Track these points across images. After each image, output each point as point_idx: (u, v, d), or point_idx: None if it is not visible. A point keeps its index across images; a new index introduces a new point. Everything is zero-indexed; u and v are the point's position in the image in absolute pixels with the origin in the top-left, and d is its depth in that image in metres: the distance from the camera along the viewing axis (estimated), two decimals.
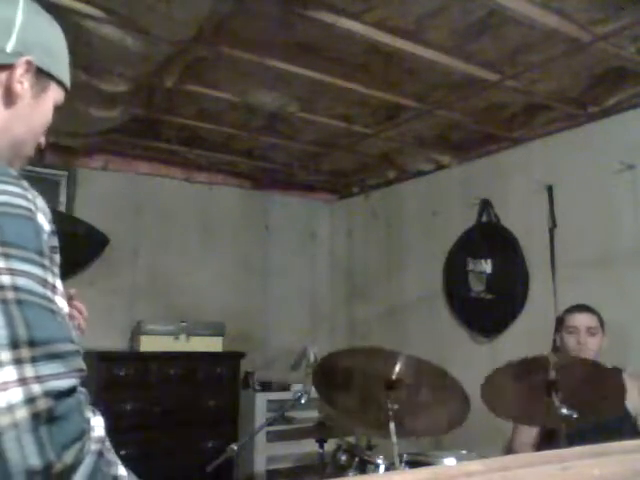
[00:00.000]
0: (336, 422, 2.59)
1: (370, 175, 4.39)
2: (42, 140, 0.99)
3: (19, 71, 0.88)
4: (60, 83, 0.97)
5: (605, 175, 3.00)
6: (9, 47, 0.87)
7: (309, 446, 2.90)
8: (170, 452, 3.48)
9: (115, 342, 3.76)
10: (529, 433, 2.59)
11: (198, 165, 4.14)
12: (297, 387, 3.88)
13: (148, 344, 3.67)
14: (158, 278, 4.03)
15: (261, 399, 3.93)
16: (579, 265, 3.06)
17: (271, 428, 3.48)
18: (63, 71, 0.98)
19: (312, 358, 4.30)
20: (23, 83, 0.89)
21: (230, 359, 3.90)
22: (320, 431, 2.59)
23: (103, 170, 3.90)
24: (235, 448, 2.20)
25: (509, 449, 2.74)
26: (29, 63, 0.88)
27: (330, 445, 2.55)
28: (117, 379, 3.44)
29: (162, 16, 2.18)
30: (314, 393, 2.32)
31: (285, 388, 4.08)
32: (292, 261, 4.64)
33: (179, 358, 3.72)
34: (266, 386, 4.10)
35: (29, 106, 0.91)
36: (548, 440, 2.47)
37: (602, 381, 2.14)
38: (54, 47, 0.95)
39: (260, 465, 3.81)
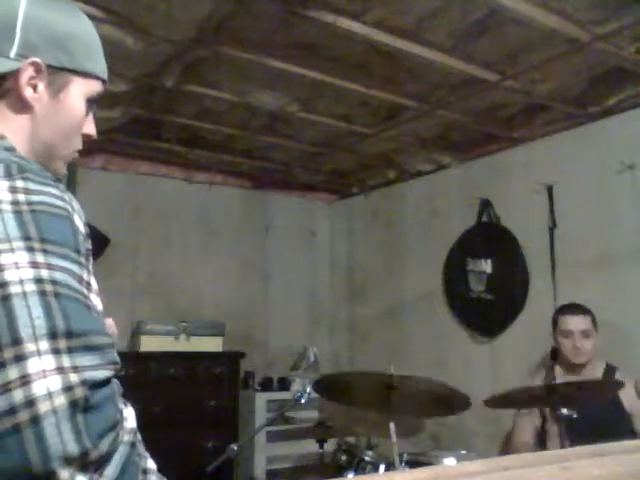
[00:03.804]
0: (336, 422, 2.60)
1: (370, 175, 4.38)
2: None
3: (26, 75, 0.83)
4: (86, 74, 0.90)
5: (605, 175, 3.00)
6: (12, 52, 0.82)
7: (309, 446, 2.91)
8: (170, 452, 3.44)
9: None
10: (528, 432, 2.59)
11: (198, 165, 4.14)
12: (297, 386, 3.88)
13: (148, 344, 3.67)
14: (158, 278, 4.03)
15: (261, 399, 3.93)
16: (579, 265, 3.06)
17: (271, 428, 3.49)
18: (89, 61, 0.91)
19: (312, 358, 4.30)
20: (36, 86, 0.84)
21: (230, 359, 3.90)
22: (320, 431, 2.60)
23: (103, 170, 3.90)
24: (235, 448, 2.21)
25: (508, 448, 2.75)
26: (35, 64, 0.83)
27: (330, 445, 2.56)
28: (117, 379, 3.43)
29: (162, 16, 2.18)
30: (314, 393, 2.32)
31: (285, 387, 4.08)
32: (292, 261, 4.63)
33: (179, 358, 3.72)
34: (267, 383, 4.10)
35: (50, 107, 0.87)
36: (545, 437, 2.48)
37: (600, 389, 2.17)
38: (71, 38, 0.88)
39: (260, 465, 3.80)
